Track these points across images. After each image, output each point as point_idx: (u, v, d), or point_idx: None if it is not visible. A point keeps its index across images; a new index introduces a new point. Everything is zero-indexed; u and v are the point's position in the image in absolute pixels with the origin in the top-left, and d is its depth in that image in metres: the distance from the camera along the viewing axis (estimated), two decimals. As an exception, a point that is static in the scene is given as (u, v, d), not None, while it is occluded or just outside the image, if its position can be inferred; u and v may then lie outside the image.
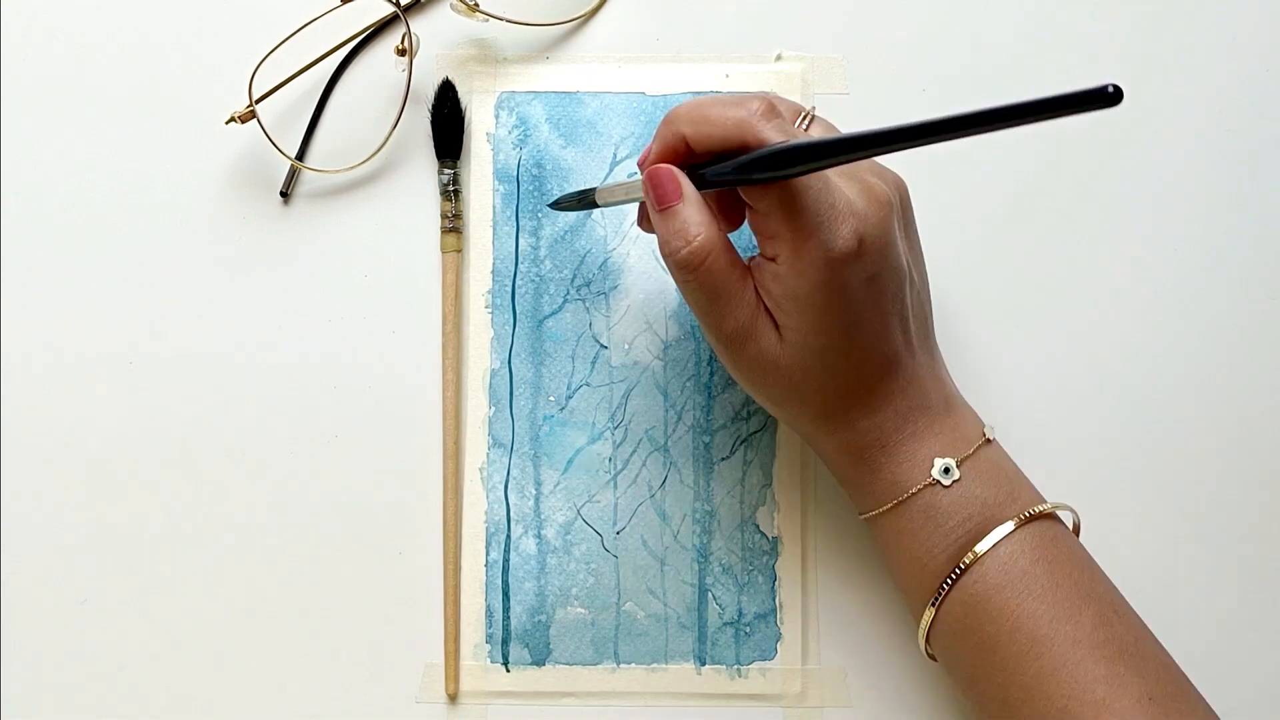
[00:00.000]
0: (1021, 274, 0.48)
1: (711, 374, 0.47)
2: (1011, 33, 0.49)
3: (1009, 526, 0.39)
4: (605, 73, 0.48)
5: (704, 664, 0.46)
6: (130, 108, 0.48)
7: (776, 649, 0.46)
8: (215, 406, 0.47)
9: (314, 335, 0.47)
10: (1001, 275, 0.48)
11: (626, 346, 0.47)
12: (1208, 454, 0.47)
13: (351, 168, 0.48)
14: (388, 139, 0.48)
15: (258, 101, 0.46)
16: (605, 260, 0.47)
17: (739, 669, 0.46)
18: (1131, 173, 0.48)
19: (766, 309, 0.39)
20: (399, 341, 0.47)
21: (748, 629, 0.46)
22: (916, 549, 0.40)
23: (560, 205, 0.47)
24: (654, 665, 0.46)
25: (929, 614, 0.40)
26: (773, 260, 0.38)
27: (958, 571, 0.39)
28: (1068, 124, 0.48)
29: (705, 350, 0.47)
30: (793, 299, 0.38)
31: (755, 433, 0.47)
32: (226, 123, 0.46)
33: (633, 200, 0.42)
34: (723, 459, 0.47)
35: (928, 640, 0.41)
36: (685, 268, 0.38)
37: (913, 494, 0.40)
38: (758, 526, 0.46)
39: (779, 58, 0.49)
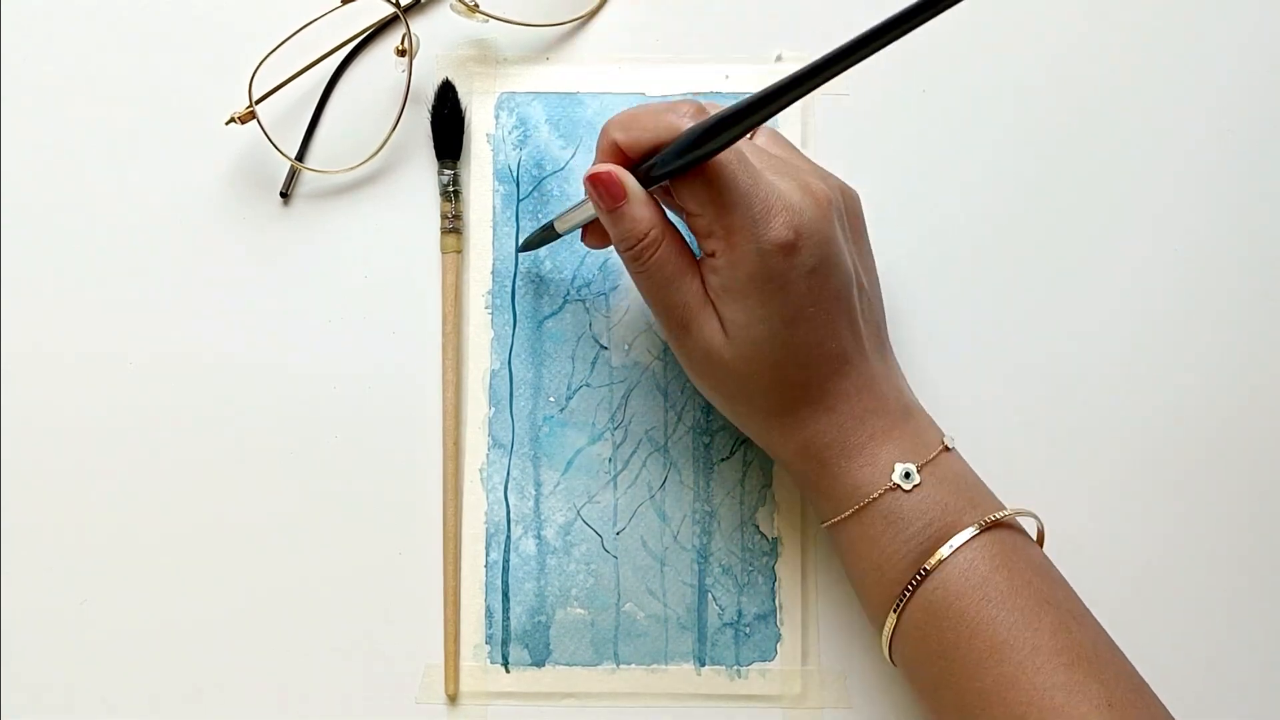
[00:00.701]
0: (1000, 280, 0.48)
1: (711, 374, 0.47)
2: (1011, 33, 0.49)
3: (970, 532, 0.39)
4: (605, 73, 0.48)
5: (704, 665, 0.46)
6: (130, 108, 0.48)
7: (776, 650, 0.46)
8: (215, 406, 0.47)
9: (314, 335, 0.47)
10: (977, 282, 0.48)
11: (626, 347, 0.47)
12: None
13: (351, 168, 0.48)
14: (388, 139, 0.48)
15: (258, 102, 0.46)
16: (605, 261, 0.47)
17: (739, 670, 0.46)
18: (1128, 174, 0.48)
19: (714, 304, 0.39)
20: (399, 342, 0.47)
21: (747, 630, 0.46)
22: (877, 555, 0.40)
23: (528, 246, 0.47)
24: (654, 666, 0.46)
25: (891, 620, 0.40)
26: (712, 256, 0.39)
27: (920, 576, 0.39)
28: (1063, 125, 0.48)
29: (705, 351, 0.47)
30: (730, 290, 0.39)
31: (755, 433, 0.47)
32: (226, 123, 0.46)
33: (589, 218, 0.42)
34: (723, 459, 0.47)
35: (890, 647, 0.40)
36: (638, 260, 0.40)
37: (873, 499, 0.40)
38: (758, 527, 0.46)
39: (779, 58, 0.49)
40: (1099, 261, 0.48)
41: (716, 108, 0.39)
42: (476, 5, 0.47)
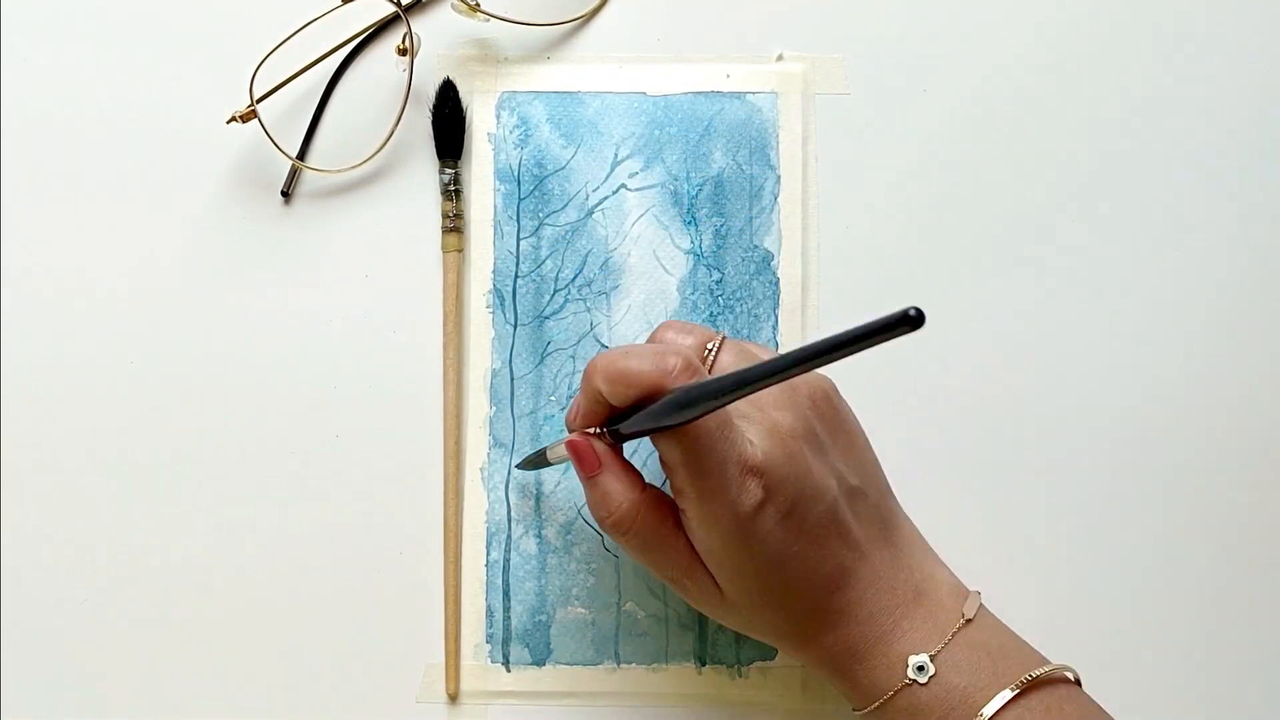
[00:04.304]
0: (999, 281, 0.48)
1: (712, 374, 0.47)
2: (1011, 33, 0.49)
3: (999, 702, 0.38)
4: (606, 73, 0.49)
5: (704, 664, 0.46)
6: (131, 107, 0.48)
7: (777, 649, 0.46)
8: (215, 406, 0.47)
9: (314, 335, 0.47)
10: (976, 284, 0.48)
11: (627, 346, 0.47)
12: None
13: (352, 167, 0.48)
14: (388, 139, 0.48)
15: (258, 101, 0.46)
16: (606, 260, 0.47)
17: (739, 669, 0.46)
18: (1129, 172, 0.48)
19: (700, 560, 0.39)
20: (399, 341, 0.47)
21: (748, 629, 0.46)
22: None
23: (524, 465, 0.46)
24: (654, 665, 0.46)
25: None
26: (684, 513, 0.38)
27: None
28: (1063, 125, 0.48)
29: (706, 350, 0.47)
30: (709, 553, 0.38)
31: (756, 433, 0.47)
32: (227, 122, 0.46)
33: None
34: (723, 459, 0.47)
35: None
36: (614, 531, 0.39)
37: (890, 697, 0.39)
38: (758, 526, 0.46)
39: (779, 58, 0.49)
40: (1094, 263, 0.48)
41: (699, 373, 0.37)
42: (477, 4, 0.47)
